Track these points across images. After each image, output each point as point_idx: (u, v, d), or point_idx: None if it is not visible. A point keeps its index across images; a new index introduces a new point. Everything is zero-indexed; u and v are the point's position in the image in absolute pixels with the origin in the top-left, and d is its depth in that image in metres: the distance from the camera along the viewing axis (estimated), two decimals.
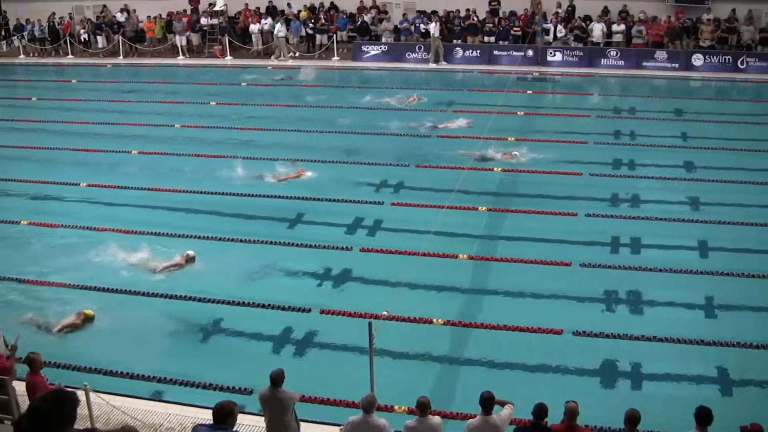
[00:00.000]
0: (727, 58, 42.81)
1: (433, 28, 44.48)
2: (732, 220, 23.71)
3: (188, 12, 49.74)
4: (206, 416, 12.01)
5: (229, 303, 19.63)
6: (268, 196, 26.08)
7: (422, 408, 12.48)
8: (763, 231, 23.16)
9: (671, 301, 19.66)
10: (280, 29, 46.25)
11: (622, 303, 19.70)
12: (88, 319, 18.78)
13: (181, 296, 20.01)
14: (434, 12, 46.53)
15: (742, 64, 42.52)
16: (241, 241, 23.02)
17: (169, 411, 15.42)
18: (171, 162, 29.71)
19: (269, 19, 48.19)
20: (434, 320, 18.68)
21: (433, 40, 44.67)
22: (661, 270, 20.97)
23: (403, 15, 47.88)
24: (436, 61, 45.01)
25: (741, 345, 17.54)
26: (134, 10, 50.34)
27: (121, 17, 50.25)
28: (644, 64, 43.74)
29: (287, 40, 46.85)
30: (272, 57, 46.82)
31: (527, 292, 20.09)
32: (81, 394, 12.92)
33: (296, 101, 38.08)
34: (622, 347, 17.74)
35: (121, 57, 48.57)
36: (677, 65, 43.37)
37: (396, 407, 15.30)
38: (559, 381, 16.57)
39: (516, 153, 29.07)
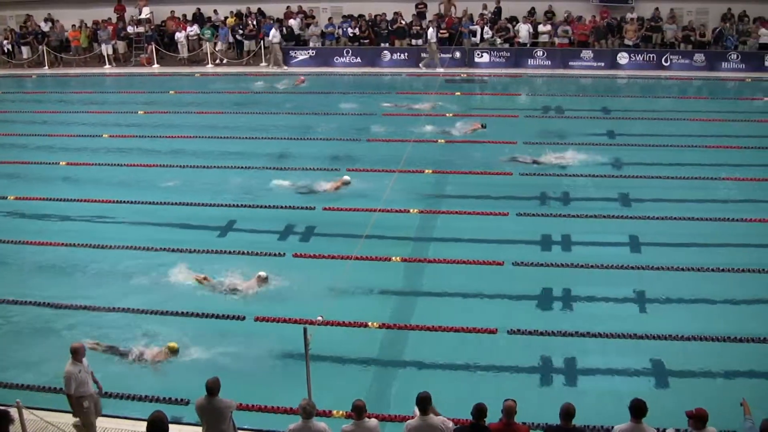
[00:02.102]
0: (651, 56, 43.50)
1: (431, 33, 44.16)
2: (661, 215, 24.07)
3: (113, 20, 49.21)
4: (142, 429, 11.90)
5: (162, 313, 19.45)
6: (198, 204, 25.87)
7: (358, 411, 12.49)
8: (692, 225, 23.55)
9: (604, 297, 19.92)
10: (274, 35, 45.55)
11: (556, 300, 19.89)
12: (172, 352, 17.78)
13: (114, 308, 19.77)
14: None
15: (666, 61, 43.22)
16: (172, 250, 22.80)
17: (105, 425, 15.24)
18: (100, 172, 29.33)
19: (195, 27, 47.90)
20: (369, 324, 18.68)
21: (430, 45, 44.35)
22: (592, 266, 21.21)
23: (329, 19, 47.81)
24: (433, 66, 44.58)
25: (673, 337, 17.82)
26: (58, 20, 49.65)
27: (45, 27, 49.51)
28: (570, 63, 44.28)
29: (280, 46, 46.41)
30: (269, 65, 46.21)
31: (461, 292, 20.20)
32: (14, 412, 12.77)
33: (225, 108, 37.81)
34: (557, 344, 17.90)
35: (47, 67, 47.87)
36: (603, 64, 44.00)
37: (334, 412, 15.28)
38: (495, 380, 16.67)
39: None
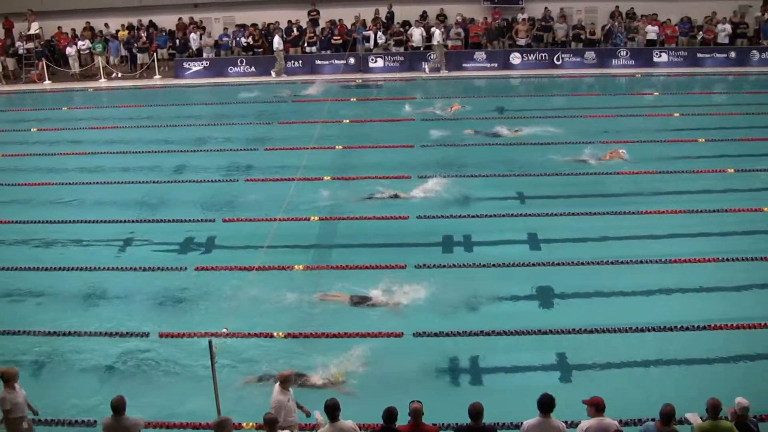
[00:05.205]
0: (543, 55, 44.30)
1: (437, 35, 43.93)
2: (557, 212, 24.50)
3: (2, 37, 48.21)
4: None
5: (46, 333, 19.07)
6: (96, 221, 25.47)
7: (270, 424, 12.50)
8: (587, 219, 24.02)
9: (507, 295, 20.18)
10: (278, 41, 44.83)
11: (460, 300, 19.95)
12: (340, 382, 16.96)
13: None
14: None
15: (557, 60, 44.02)
16: (68, 269, 22.46)
17: None
18: None
19: (86, 41, 47.20)
20: (275, 334, 18.61)
21: (437, 47, 44.20)
22: (494, 265, 21.45)
23: (224, 29, 47.54)
24: (438, 69, 44.63)
25: (576, 331, 18.13)
26: None
27: None
28: (464, 65, 44.78)
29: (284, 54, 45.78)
30: (273, 72, 45.39)
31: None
32: None
33: (121, 123, 37.29)
34: (463, 344, 18.05)
35: None
36: (496, 65, 44.65)
37: (244, 424, 15.17)
38: (403, 383, 16.65)
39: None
